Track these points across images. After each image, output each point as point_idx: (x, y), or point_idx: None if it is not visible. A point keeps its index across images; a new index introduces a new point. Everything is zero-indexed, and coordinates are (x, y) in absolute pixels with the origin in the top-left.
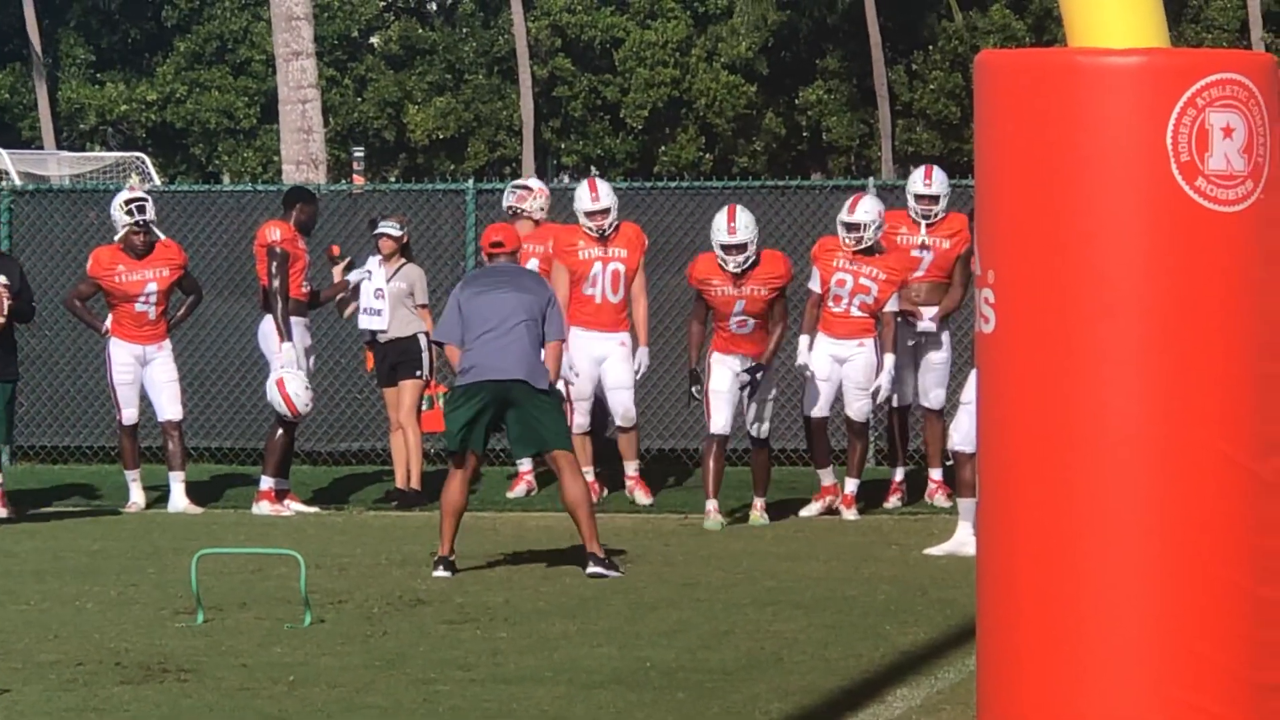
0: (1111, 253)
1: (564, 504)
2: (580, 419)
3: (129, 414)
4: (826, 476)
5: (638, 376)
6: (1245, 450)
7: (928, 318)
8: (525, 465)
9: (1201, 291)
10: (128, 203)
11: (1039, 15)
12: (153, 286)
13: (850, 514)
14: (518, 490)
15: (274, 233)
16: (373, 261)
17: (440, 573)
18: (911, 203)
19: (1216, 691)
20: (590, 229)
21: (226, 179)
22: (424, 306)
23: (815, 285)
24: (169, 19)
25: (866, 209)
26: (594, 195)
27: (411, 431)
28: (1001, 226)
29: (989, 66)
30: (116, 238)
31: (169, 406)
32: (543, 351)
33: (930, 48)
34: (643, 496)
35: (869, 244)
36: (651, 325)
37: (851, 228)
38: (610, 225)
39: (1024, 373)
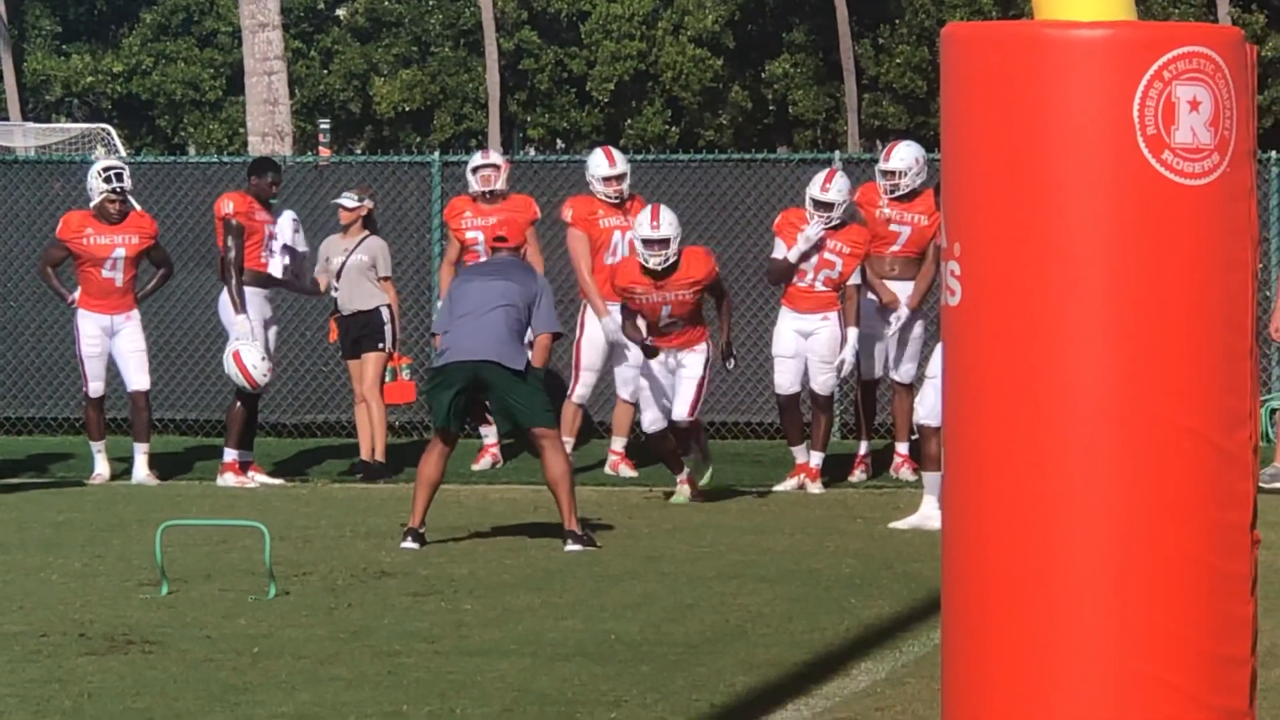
0: (1077, 225)
1: (545, 480)
2: (583, 390)
3: (95, 387)
4: (800, 454)
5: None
6: (1211, 425)
7: (903, 298)
8: (491, 438)
9: (1168, 265)
10: (105, 169)
11: None
12: (120, 252)
13: (815, 487)
14: (483, 463)
15: (227, 205)
16: (285, 218)
17: (409, 544)
18: (878, 178)
19: (1180, 665)
20: (608, 195)
21: (192, 151)
22: (387, 279)
23: (780, 255)
24: None
25: (840, 188)
26: (611, 161)
27: (375, 404)
28: (967, 199)
29: (955, 39)
30: (92, 204)
31: (136, 376)
32: (529, 340)
33: (897, 21)
34: (628, 471)
35: (837, 223)
36: None
37: (824, 206)
38: (627, 191)
39: (990, 346)
